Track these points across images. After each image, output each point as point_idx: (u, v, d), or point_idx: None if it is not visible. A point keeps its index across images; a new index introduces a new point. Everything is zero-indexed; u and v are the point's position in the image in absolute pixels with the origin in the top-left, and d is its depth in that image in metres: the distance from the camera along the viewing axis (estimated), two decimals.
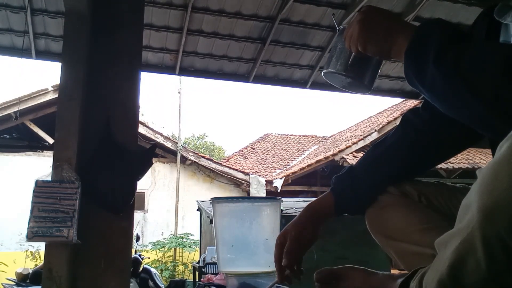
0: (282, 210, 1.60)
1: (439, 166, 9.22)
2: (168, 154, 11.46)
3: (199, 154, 12.17)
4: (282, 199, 1.64)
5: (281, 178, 11.45)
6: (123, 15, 3.05)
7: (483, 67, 0.69)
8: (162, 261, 10.13)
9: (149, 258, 8.26)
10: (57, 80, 6.84)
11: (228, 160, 14.01)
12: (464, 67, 0.70)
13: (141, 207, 10.82)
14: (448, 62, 0.72)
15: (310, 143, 16.42)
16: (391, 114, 12.93)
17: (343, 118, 57.21)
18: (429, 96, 0.80)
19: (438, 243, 0.64)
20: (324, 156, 11.47)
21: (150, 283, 5.82)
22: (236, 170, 11.81)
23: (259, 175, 11.87)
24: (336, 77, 1.05)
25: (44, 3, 4.08)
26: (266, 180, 11.53)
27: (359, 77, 1.02)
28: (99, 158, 2.77)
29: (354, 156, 10.65)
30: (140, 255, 6.01)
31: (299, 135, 17.41)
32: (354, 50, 0.94)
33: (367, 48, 0.92)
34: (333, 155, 11.09)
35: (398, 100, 13.15)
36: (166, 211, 11.07)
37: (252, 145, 15.88)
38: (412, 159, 1.08)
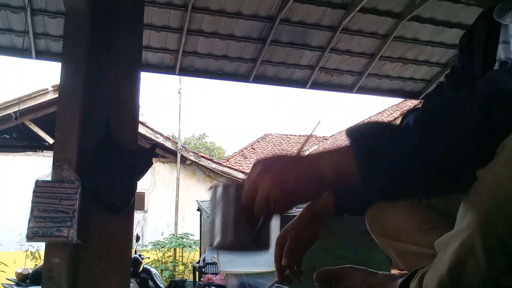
0: None
1: None
2: (168, 154, 11.46)
3: (199, 154, 12.17)
4: None
5: None
6: (123, 15, 3.05)
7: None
8: (162, 261, 10.13)
9: (149, 258, 8.26)
10: (57, 80, 6.84)
11: (228, 160, 14.02)
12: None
13: (141, 207, 10.82)
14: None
15: (310, 143, 16.43)
16: (391, 114, 12.92)
17: (343, 118, 57.20)
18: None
19: (438, 244, 0.64)
20: None
21: (150, 283, 5.82)
22: (236, 170, 11.81)
23: None
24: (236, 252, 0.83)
25: (44, 3, 4.08)
26: None
27: (265, 245, 0.78)
28: (99, 158, 2.77)
29: None
30: (140, 255, 6.01)
31: (299, 135, 17.42)
32: (268, 214, 0.72)
33: (290, 203, 0.71)
34: None
35: (398, 100, 13.14)
36: (166, 211, 11.07)
37: (252, 145, 15.89)
38: None
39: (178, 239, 10.30)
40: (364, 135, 0.66)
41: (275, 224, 0.79)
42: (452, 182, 0.62)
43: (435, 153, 0.60)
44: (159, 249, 10.12)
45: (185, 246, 10.12)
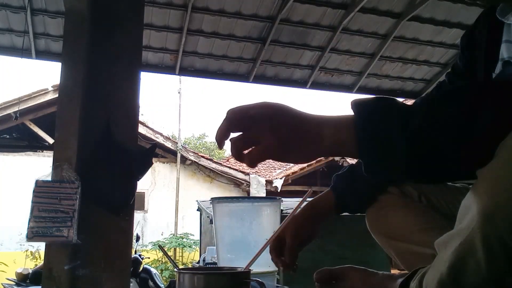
0: (282, 210, 1.60)
1: None
2: (168, 154, 11.46)
3: (199, 154, 12.18)
4: (282, 199, 1.64)
5: (281, 178, 11.46)
6: (123, 15, 3.05)
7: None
8: (162, 261, 10.13)
9: (149, 258, 8.26)
10: (57, 80, 6.84)
11: (228, 160, 14.01)
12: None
13: (141, 207, 10.82)
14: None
15: None
16: None
17: None
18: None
19: (438, 244, 0.64)
20: None
21: (150, 283, 5.82)
22: (236, 170, 11.81)
23: (259, 175, 11.87)
24: None
25: (44, 3, 4.08)
26: (266, 180, 11.53)
27: None
28: (99, 158, 2.76)
29: None
30: (140, 255, 6.01)
31: None
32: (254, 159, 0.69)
33: (282, 157, 0.69)
34: None
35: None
36: (166, 211, 11.07)
37: None
38: None
39: (178, 239, 10.31)
40: (370, 111, 0.64)
41: None
42: (448, 170, 0.61)
43: (435, 138, 0.58)
44: (159, 249, 10.12)
45: (185, 246, 10.12)
